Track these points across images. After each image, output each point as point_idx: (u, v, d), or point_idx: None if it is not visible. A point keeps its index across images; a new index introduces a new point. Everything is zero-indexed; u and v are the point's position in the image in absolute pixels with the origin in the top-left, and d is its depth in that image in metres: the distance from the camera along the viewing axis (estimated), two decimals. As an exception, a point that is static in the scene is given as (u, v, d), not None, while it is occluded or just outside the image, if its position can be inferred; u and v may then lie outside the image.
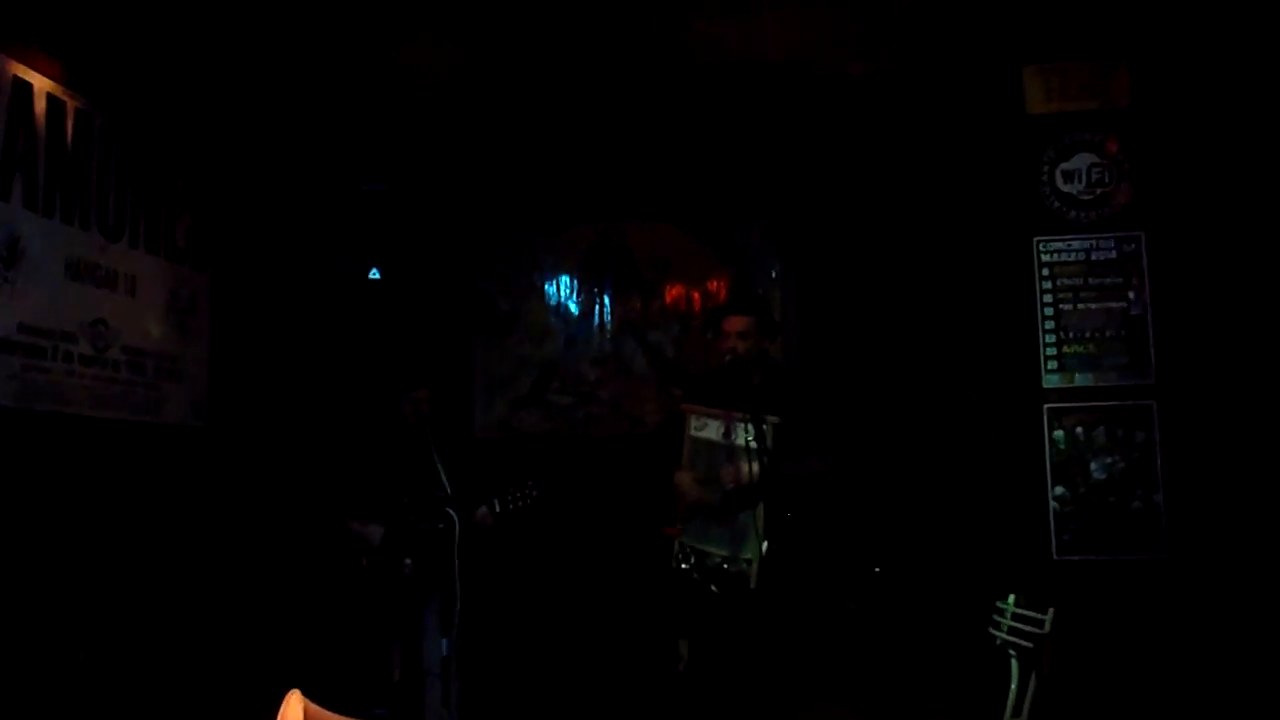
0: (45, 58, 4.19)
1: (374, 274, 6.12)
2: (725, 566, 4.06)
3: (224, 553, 5.12)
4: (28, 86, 4.10)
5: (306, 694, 2.00)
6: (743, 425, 4.01)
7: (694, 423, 4.24)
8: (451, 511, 4.51)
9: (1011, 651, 3.69)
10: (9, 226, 3.96)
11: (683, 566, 4.13)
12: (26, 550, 3.97)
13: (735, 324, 4.23)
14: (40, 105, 4.16)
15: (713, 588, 4.06)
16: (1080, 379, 4.93)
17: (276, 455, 5.41)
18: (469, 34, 5.32)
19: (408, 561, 4.55)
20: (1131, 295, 4.94)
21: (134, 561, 4.57)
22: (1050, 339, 4.96)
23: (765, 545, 3.93)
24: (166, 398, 4.92)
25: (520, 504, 4.67)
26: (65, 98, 4.30)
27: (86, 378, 4.38)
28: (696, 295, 6.17)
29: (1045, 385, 4.95)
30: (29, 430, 4.04)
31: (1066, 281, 4.98)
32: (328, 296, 6.01)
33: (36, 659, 3.99)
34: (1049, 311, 4.97)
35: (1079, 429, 4.90)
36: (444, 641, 4.36)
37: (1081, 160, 5.02)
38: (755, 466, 3.92)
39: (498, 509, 4.65)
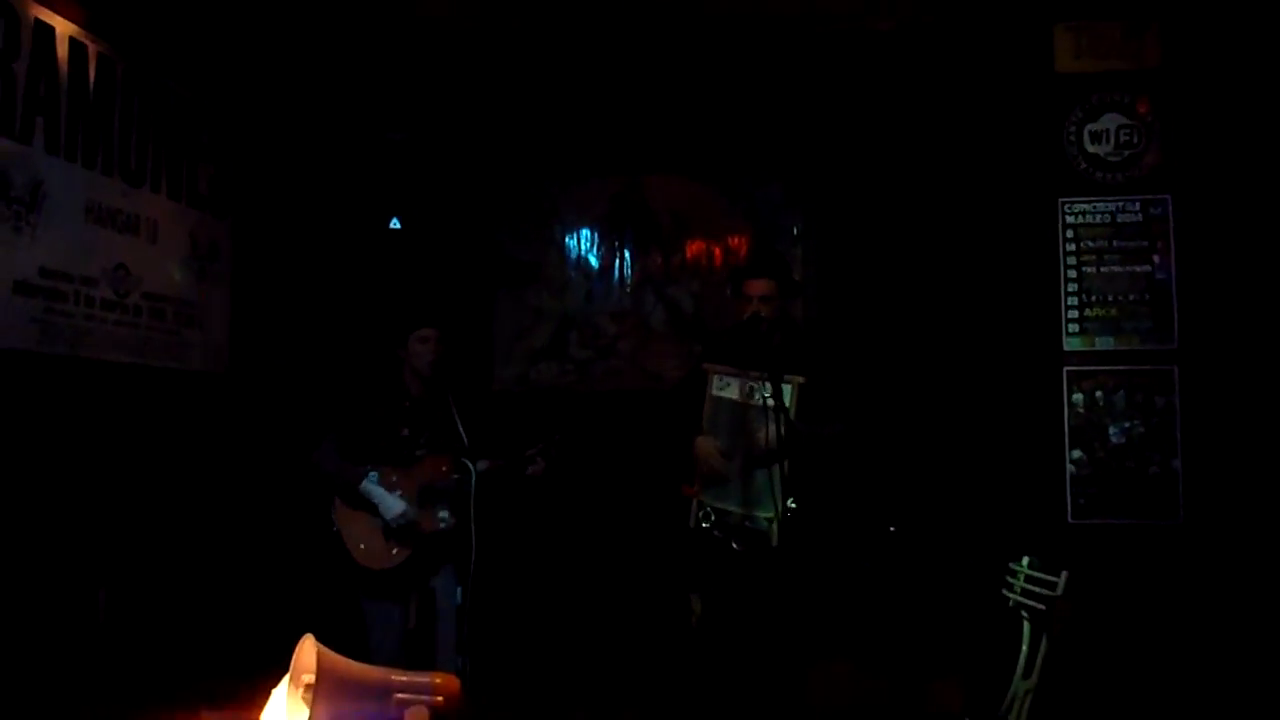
0: (68, 1, 4.17)
1: (395, 223, 6.12)
2: (746, 524, 4.07)
3: (243, 498, 5.17)
4: (50, 30, 4.09)
5: (320, 639, 2.03)
6: (762, 385, 4.00)
7: (716, 382, 4.22)
8: (468, 462, 4.50)
9: (1024, 613, 3.69)
10: (31, 170, 3.97)
11: (703, 525, 4.13)
12: (47, 492, 4.02)
13: (758, 287, 4.20)
14: (62, 49, 4.16)
15: (735, 545, 4.07)
16: (1101, 342, 4.89)
17: (296, 402, 5.43)
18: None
19: (443, 514, 4.53)
20: (1156, 259, 4.89)
21: (154, 505, 4.62)
22: (1072, 301, 4.92)
23: (789, 504, 3.93)
24: (187, 343, 4.95)
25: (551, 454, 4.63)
26: (87, 42, 4.29)
27: (107, 322, 4.40)
28: (717, 251, 6.15)
29: (1066, 348, 4.91)
30: (49, 373, 4.07)
31: (1091, 244, 4.93)
32: (349, 245, 6.01)
33: (58, 599, 4.05)
34: (1072, 274, 4.92)
35: (1099, 393, 4.87)
36: (458, 589, 4.38)
37: (1110, 121, 4.94)
38: (775, 427, 3.92)
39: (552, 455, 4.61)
